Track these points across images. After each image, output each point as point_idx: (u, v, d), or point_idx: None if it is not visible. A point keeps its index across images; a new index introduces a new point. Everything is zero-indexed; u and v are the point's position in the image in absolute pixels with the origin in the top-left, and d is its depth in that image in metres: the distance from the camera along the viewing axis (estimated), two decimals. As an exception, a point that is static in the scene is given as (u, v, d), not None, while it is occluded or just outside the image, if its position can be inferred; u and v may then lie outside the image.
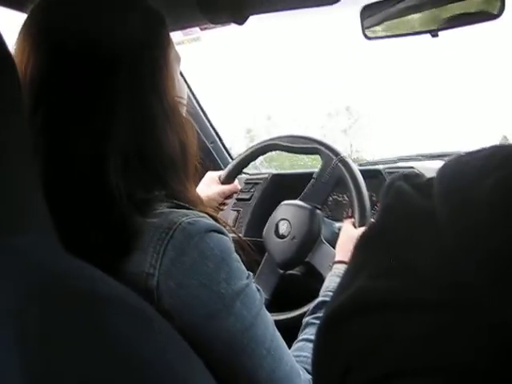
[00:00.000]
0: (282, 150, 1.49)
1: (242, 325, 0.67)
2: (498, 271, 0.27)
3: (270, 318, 0.74)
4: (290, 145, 1.45)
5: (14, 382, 0.46)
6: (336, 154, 1.35)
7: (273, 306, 1.36)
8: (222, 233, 0.69)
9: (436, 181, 0.35)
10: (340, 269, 1.11)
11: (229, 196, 1.43)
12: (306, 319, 0.97)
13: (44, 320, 0.47)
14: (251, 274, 0.73)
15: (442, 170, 0.36)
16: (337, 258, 1.16)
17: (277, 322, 1.25)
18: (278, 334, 0.75)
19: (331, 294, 1.00)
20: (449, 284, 0.29)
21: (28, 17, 0.72)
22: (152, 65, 0.73)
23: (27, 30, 0.72)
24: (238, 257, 0.71)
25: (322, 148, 1.38)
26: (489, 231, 0.28)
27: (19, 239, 0.53)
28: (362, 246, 0.38)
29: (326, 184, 1.36)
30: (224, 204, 1.44)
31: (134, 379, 0.51)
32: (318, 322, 0.92)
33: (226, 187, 1.40)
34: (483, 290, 0.28)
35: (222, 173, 1.48)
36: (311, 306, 1.02)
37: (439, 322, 0.29)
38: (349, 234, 1.21)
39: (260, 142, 1.50)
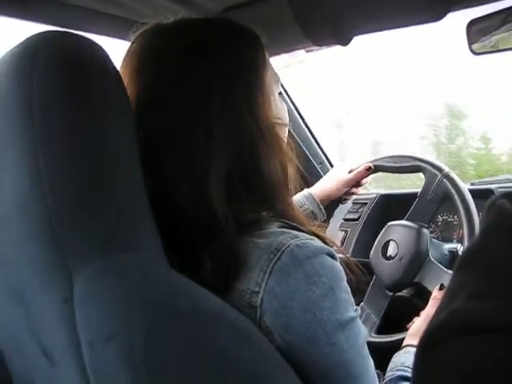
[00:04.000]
0: (385, 171, 1.48)
1: (341, 358, 0.65)
2: None
3: (372, 361, 0.72)
4: (392, 165, 1.44)
5: None
6: (440, 170, 1.32)
7: (382, 328, 1.34)
8: (333, 256, 0.68)
9: None
10: (411, 351, 1.03)
11: (357, 185, 1.46)
12: None
13: (151, 334, 0.51)
14: (359, 308, 0.71)
15: None
16: (407, 342, 1.09)
17: (385, 344, 1.24)
18: (377, 382, 0.72)
19: (410, 369, 0.94)
20: None
21: (131, 45, 0.77)
22: (246, 86, 0.74)
23: (129, 56, 0.76)
24: (347, 287, 0.69)
25: (425, 165, 1.36)
26: None
27: (130, 257, 0.57)
28: (461, 266, 0.37)
29: (432, 202, 1.33)
30: (353, 193, 1.47)
31: None
32: None
33: (352, 175, 1.43)
34: None
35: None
36: (388, 377, 0.96)
37: None
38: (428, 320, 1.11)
39: (361, 165, 1.49)
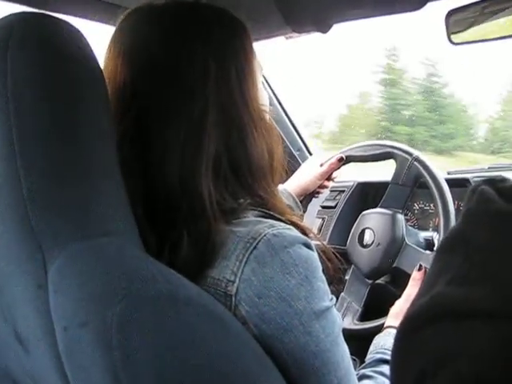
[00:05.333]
0: (356, 161, 1.48)
1: (317, 347, 0.66)
2: None
3: (347, 349, 0.72)
4: (362, 154, 1.44)
5: (98, 371, 0.49)
6: (410, 153, 1.33)
7: (365, 315, 1.34)
8: (309, 246, 0.68)
9: None
10: (391, 332, 1.05)
11: (329, 178, 1.45)
12: (362, 371, 0.91)
13: (126, 319, 0.50)
14: (334, 298, 0.71)
15: None
16: (388, 323, 1.10)
17: (369, 330, 1.24)
18: (352, 369, 0.72)
19: (389, 351, 0.92)
20: None
21: (121, 22, 0.76)
22: (238, 73, 0.74)
23: (121, 33, 0.75)
24: (323, 277, 0.69)
25: (395, 151, 1.37)
26: None
27: (105, 241, 0.56)
28: (442, 251, 0.37)
29: (404, 186, 1.34)
30: (325, 187, 1.46)
31: (205, 379, 0.53)
32: (376, 375, 0.87)
33: (325, 168, 1.42)
34: None
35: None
36: (368, 359, 0.96)
37: None
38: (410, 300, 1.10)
39: (333, 156, 1.48)
